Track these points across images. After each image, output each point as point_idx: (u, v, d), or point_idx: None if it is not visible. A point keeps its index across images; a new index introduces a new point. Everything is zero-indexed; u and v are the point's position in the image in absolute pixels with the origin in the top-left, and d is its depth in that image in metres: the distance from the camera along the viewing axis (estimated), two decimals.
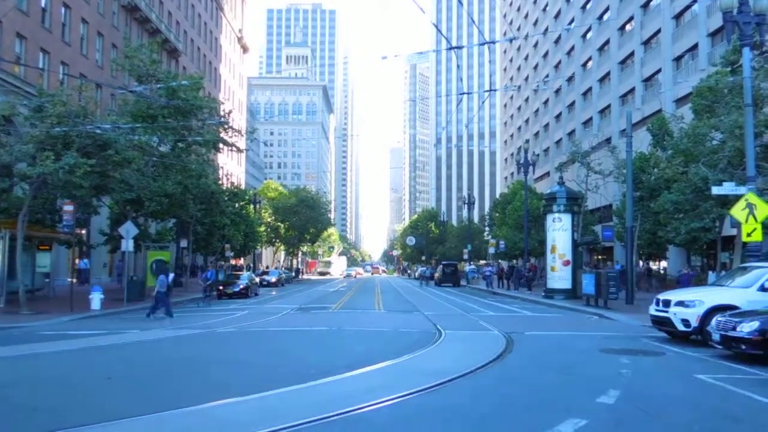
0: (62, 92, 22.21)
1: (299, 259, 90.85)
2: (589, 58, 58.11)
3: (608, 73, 53.09)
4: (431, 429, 6.23)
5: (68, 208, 20.56)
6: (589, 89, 57.55)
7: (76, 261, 32.35)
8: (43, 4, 32.98)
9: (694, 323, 12.25)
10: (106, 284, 30.66)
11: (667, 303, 13.07)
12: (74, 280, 26.77)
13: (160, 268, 21.99)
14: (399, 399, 7.42)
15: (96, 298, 20.43)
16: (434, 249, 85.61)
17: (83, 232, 32.11)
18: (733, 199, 17.19)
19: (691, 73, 38.23)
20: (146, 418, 6.53)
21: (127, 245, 23.38)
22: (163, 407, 6.93)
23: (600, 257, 51.10)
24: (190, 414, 6.80)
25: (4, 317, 17.61)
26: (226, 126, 31.38)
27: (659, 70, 43.81)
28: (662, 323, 13.22)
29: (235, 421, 6.56)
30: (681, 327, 12.52)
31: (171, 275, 20.72)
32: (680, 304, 12.73)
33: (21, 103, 23.41)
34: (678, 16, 41.91)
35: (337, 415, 6.58)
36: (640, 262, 29.39)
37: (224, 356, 11.44)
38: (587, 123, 57.72)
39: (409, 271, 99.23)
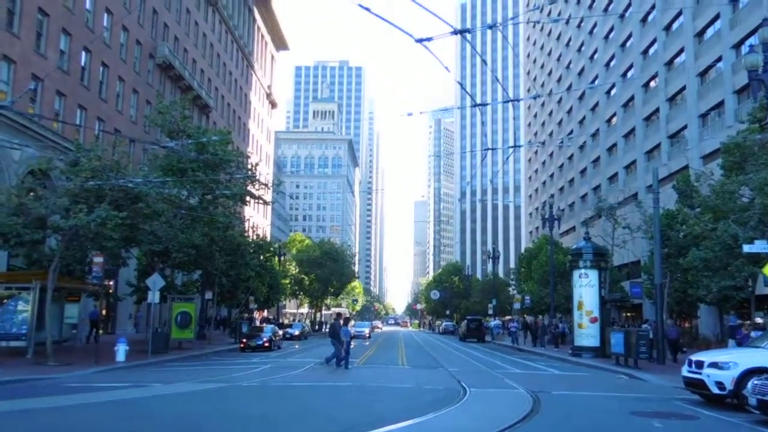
0: (97, 147, 22.95)
1: (323, 313, 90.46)
2: (614, 114, 58.39)
3: (633, 129, 53.17)
4: None
5: (98, 260, 20.93)
6: (614, 145, 57.58)
7: (103, 313, 32.65)
8: (82, 63, 34.49)
9: (729, 386, 11.84)
10: (132, 336, 30.81)
11: (700, 364, 12.68)
12: (100, 332, 27.00)
13: (344, 321, 21.95)
14: None
15: (121, 350, 20.51)
16: (458, 303, 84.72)
17: (111, 283, 32.55)
18: (765, 258, 16.84)
19: (717, 129, 38.12)
20: None
21: (154, 297, 23.60)
22: None
23: (629, 314, 49.99)
24: None
25: (31, 368, 17.75)
26: (253, 179, 31.99)
27: (685, 127, 43.77)
28: (695, 385, 12.80)
29: None
30: (715, 390, 12.11)
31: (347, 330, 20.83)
32: (714, 365, 12.34)
33: (58, 158, 24.23)
34: (703, 74, 42.11)
35: None
36: (669, 321, 28.62)
37: (247, 411, 11.33)
38: (613, 178, 57.52)
39: (433, 326, 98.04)
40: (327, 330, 40.15)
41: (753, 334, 20.06)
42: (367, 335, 48.98)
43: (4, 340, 21.57)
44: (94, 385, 14.75)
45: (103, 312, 33.63)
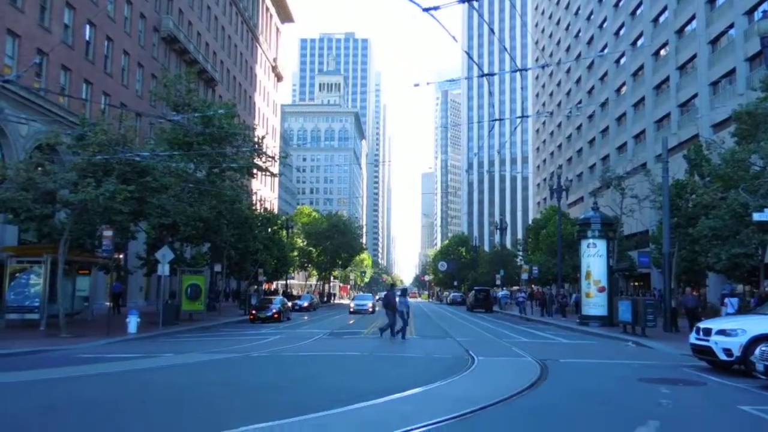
0: (103, 121, 22.95)
1: (331, 284, 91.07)
2: (623, 84, 57.66)
3: (643, 99, 52.55)
4: None
5: (107, 233, 21.06)
6: (624, 114, 56.99)
7: (112, 284, 33.01)
8: (87, 37, 34.27)
9: (736, 352, 11.87)
10: (142, 307, 31.15)
11: (708, 332, 12.71)
12: (110, 304, 27.35)
13: (402, 292, 22.11)
14: (431, 426, 7.32)
15: (132, 322, 20.75)
16: (466, 274, 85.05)
17: (121, 257, 32.81)
18: None
19: (728, 97, 37.61)
20: None
21: (164, 269, 23.79)
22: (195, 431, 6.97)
23: (636, 283, 50.03)
24: None
25: (44, 340, 18.02)
26: (259, 152, 31.95)
27: (695, 95, 43.21)
28: (703, 352, 12.84)
29: None
30: (723, 356, 12.15)
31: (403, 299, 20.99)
32: (722, 332, 12.36)
33: (64, 133, 24.24)
34: (714, 41, 41.40)
35: None
36: (688, 289, 28.67)
37: (257, 381, 11.47)
38: (621, 148, 57.06)
39: (441, 297, 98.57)
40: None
41: (726, 300, 20.52)
42: (371, 309, 42.30)
43: (18, 313, 21.92)
44: (106, 356, 14.97)
45: (112, 285, 33.95)
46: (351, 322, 29.73)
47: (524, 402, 9.21)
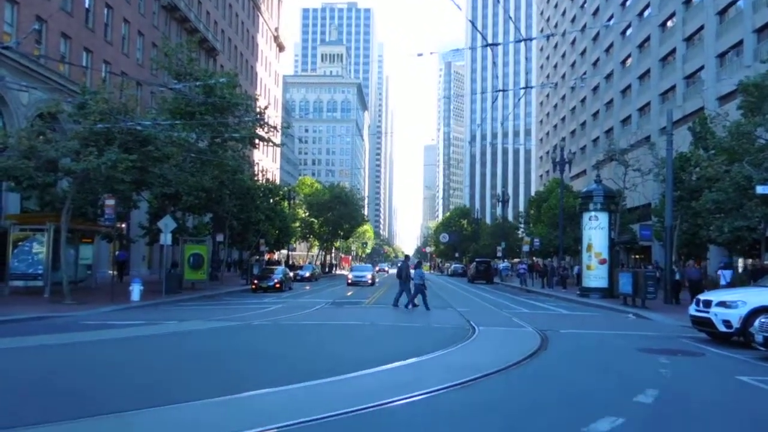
0: (104, 90, 22.78)
1: (333, 255, 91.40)
2: (629, 55, 56.99)
3: (648, 71, 52.00)
4: (464, 424, 6.18)
5: (110, 202, 21.07)
6: (628, 87, 56.46)
7: (116, 253, 33.16)
8: (86, 5, 33.84)
9: (736, 324, 11.94)
10: (145, 276, 31.34)
11: (707, 303, 12.77)
12: (114, 273, 27.49)
13: (417, 264, 22.18)
14: (431, 394, 7.40)
15: (136, 290, 20.91)
16: (467, 246, 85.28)
17: (123, 226, 32.90)
18: None
19: (735, 70, 37.19)
20: (181, 406, 6.66)
21: (166, 239, 23.87)
22: (198, 396, 7.06)
23: (637, 257, 50.15)
24: (223, 403, 6.89)
25: (48, 307, 18.16)
26: (261, 122, 31.77)
27: (702, 67, 42.74)
28: (702, 324, 12.92)
29: (269, 409, 6.65)
30: (722, 328, 12.23)
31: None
32: (722, 304, 12.42)
33: (65, 101, 24.09)
34: (722, 12, 40.78)
35: (367, 408, 6.57)
36: (690, 262, 28.66)
37: (258, 348, 11.58)
38: (626, 121, 56.66)
39: (442, 268, 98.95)
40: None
41: (719, 272, 20.80)
42: (370, 281, 40.08)
43: (22, 280, 22.09)
44: (110, 323, 15.09)
45: (116, 254, 34.09)
46: (350, 293, 29.89)
47: (524, 370, 9.29)
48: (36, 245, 22.22)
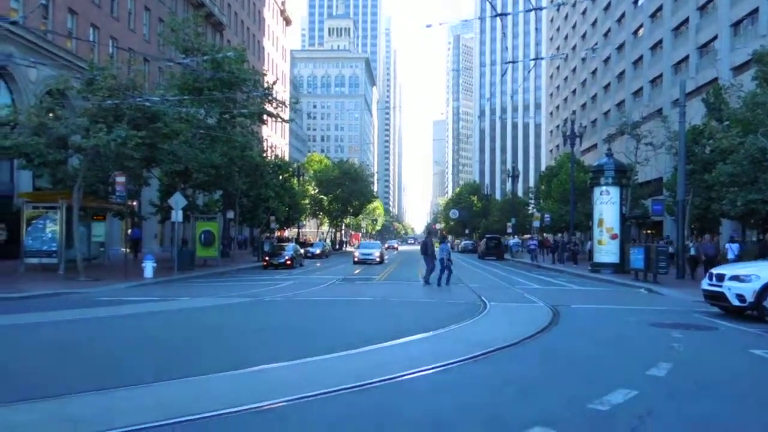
0: (112, 65, 22.70)
1: (343, 232, 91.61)
2: (641, 26, 56.04)
3: (660, 41, 51.14)
4: (477, 395, 6.21)
5: (120, 179, 21.15)
6: (640, 58, 55.61)
7: (128, 232, 33.39)
8: None
9: (749, 298, 11.88)
10: (157, 254, 31.55)
11: (720, 277, 12.69)
12: (128, 250, 27.72)
13: (442, 238, 22.20)
14: (443, 367, 7.42)
15: (148, 267, 21.08)
16: (477, 222, 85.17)
17: (135, 203, 33.06)
18: None
19: (750, 39, 36.47)
20: (198, 379, 6.74)
21: (177, 216, 23.97)
22: (214, 369, 7.13)
23: (649, 232, 49.87)
24: (239, 375, 6.97)
25: (63, 283, 18.35)
26: (269, 97, 31.60)
27: (716, 37, 41.96)
28: (715, 298, 12.86)
29: (282, 382, 6.71)
30: (735, 302, 12.17)
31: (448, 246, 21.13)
32: (735, 278, 12.34)
33: (74, 76, 24.05)
34: None
35: (380, 381, 6.61)
36: (707, 236, 28.41)
37: (270, 324, 11.67)
38: (637, 93, 55.92)
39: (452, 245, 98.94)
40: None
41: (727, 246, 20.70)
42: (378, 259, 37.20)
43: (36, 257, 22.34)
44: (125, 299, 15.26)
45: (129, 231, 34.29)
46: (359, 270, 29.97)
47: (537, 344, 9.31)
48: (49, 223, 22.40)
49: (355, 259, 36.77)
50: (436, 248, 22.41)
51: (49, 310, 12.86)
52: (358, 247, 43.73)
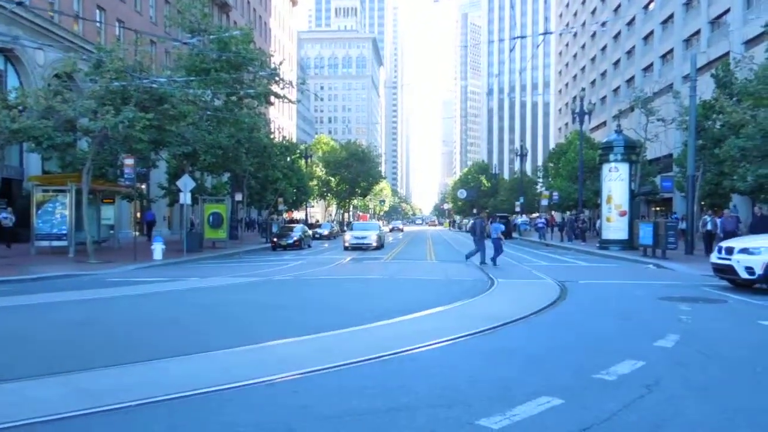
0: (119, 47, 22.67)
1: (350, 213, 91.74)
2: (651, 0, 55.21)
3: (672, 15, 50.36)
4: (486, 367, 6.26)
5: (128, 161, 21.22)
6: (651, 33, 54.85)
7: (137, 214, 33.63)
8: None
9: (759, 271, 11.83)
10: (166, 236, 31.75)
11: (729, 250, 12.63)
12: (137, 233, 27.89)
13: (492, 218, 22.22)
14: (452, 341, 7.49)
15: (158, 249, 21.24)
16: (485, 202, 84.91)
17: (143, 186, 33.22)
18: None
19: (763, 10, 35.85)
20: (214, 354, 6.84)
21: (185, 198, 24.07)
22: (227, 345, 7.22)
23: (658, 208, 49.61)
24: (252, 351, 7.06)
25: (74, 266, 18.54)
26: (276, 77, 31.48)
27: (728, 10, 41.26)
28: (724, 271, 12.81)
29: (294, 357, 6.78)
30: (744, 275, 12.12)
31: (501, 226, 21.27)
32: (744, 251, 12.28)
33: (81, 58, 24.05)
34: None
35: (390, 354, 6.69)
36: (726, 211, 28.00)
37: (281, 301, 11.76)
38: (648, 69, 55.25)
39: (460, 225, 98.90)
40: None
41: (718, 220, 20.70)
42: (375, 244, 29.88)
43: (47, 240, 22.53)
44: (135, 280, 15.40)
45: (138, 214, 34.53)
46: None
47: (544, 318, 9.35)
48: (59, 206, 22.56)
49: (346, 245, 30.05)
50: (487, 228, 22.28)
51: (61, 290, 13.02)
52: (351, 229, 35.19)
